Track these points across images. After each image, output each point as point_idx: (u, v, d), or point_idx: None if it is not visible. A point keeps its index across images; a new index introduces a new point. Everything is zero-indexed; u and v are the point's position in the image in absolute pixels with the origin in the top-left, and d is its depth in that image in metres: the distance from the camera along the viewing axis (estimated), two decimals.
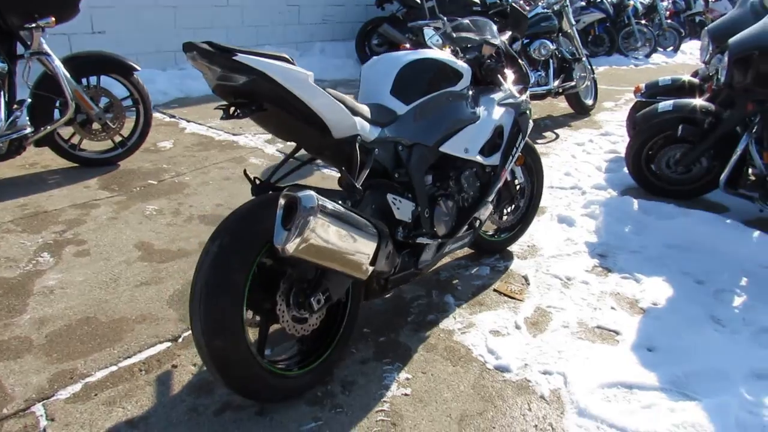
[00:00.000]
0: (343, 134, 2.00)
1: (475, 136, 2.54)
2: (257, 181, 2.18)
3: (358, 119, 2.04)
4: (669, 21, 12.15)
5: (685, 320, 2.67)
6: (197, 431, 1.88)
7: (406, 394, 2.11)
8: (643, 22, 11.22)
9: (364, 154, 2.11)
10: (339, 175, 1.98)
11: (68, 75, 3.51)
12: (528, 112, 2.91)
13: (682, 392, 2.18)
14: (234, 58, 1.71)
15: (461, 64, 2.53)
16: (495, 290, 2.86)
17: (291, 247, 1.67)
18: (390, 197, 2.20)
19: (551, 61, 6.02)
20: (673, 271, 3.10)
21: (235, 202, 3.54)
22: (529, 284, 2.92)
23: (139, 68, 3.86)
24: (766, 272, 3.14)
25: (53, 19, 3.36)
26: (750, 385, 2.23)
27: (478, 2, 7.04)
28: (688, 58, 12.01)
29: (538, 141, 5.46)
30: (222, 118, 1.87)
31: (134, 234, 3.11)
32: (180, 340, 2.32)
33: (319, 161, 3.00)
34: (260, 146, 4.66)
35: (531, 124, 2.93)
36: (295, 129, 2.02)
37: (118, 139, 4.01)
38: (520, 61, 2.94)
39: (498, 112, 2.67)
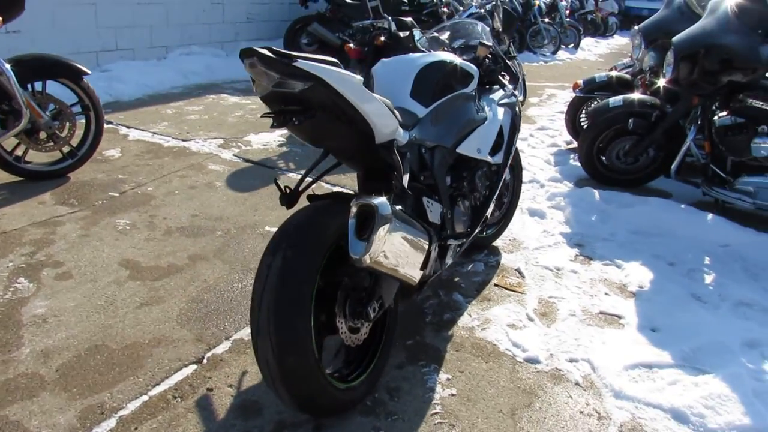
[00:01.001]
0: (384, 139, 1.98)
1: (486, 136, 2.60)
2: (287, 190, 2.12)
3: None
4: (568, 19, 12.91)
5: (671, 300, 2.88)
6: None
7: (453, 395, 2.13)
8: (546, 20, 11.85)
9: (401, 158, 2.10)
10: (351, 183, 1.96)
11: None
12: (519, 110, 3.01)
13: (696, 367, 2.36)
14: (294, 64, 1.66)
15: (471, 66, 2.57)
16: (496, 285, 2.94)
17: (369, 257, 1.65)
18: (425, 200, 2.21)
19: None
20: (646, 256, 3.32)
21: (211, 212, 3.40)
22: (524, 277, 3.03)
23: (89, 72, 3.58)
24: (724, 250, 3.45)
25: (0, 18, 3.04)
26: (748, 354, 2.45)
27: (412, 2, 7.13)
28: (587, 54, 12.84)
29: None
30: (273, 127, 1.80)
31: (114, 252, 2.90)
32: (205, 361, 2.20)
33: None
34: (215, 152, 4.47)
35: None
36: (336, 135, 1.97)
37: (66, 149, 3.70)
38: (507, 61, 3.03)
39: (500, 112, 2.75)
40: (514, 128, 2.90)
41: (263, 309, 1.68)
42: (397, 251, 1.78)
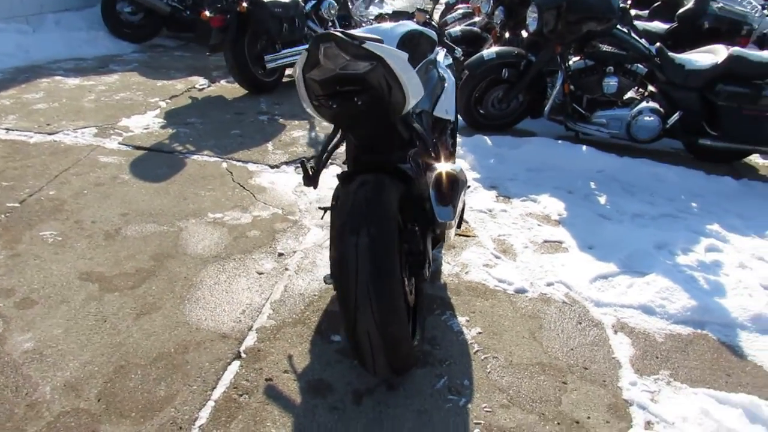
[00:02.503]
0: (407, 110, 2.10)
1: (449, 97, 2.81)
2: (311, 171, 2.15)
3: None
4: None
5: (587, 222, 3.44)
6: (357, 424, 1.90)
7: (479, 333, 2.40)
8: None
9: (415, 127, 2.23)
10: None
11: None
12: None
13: (636, 271, 2.91)
14: (364, 45, 1.72)
15: (432, 32, 2.74)
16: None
17: (455, 221, 1.81)
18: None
19: (335, 22, 6.33)
20: (548, 188, 3.87)
21: (140, 208, 3.16)
22: (468, 223, 3.36)
23: None
24: (601, 175, 4.14)
25: None
26: (663, 254, 3.08)
27: None
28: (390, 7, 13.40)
29: None
30: (332, 108, 1.83)
31: (64, 267, 2.61)
32: (243, 355, 2.18)
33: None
34: (94, 142, 4.05)
35: None
36: (372, 112, 2.02)
37: None
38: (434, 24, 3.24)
39: (450, 73, 2.97)
40: (456, 85, 3.14)
41: (361, 284, 1.75)
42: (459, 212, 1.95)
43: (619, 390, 2.13)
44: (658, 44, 4.48)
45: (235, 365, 2.13)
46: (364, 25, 3.02)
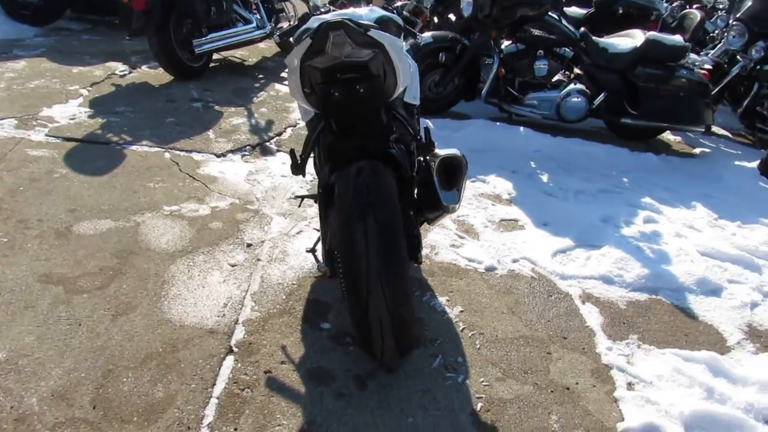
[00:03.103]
0: (394, 97, 2.13)
1: (415, 82, 2.85)
2: (300, 159, 2.14)
3: None
4: None
5: (535, 200, 3.62)
6: (366, 408, 1.94)
7: (462, 311, 2.49)
8: None
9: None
10: None
11: None
12: None
13: (590, 244, 3.11)
14: (369, 33, 1.73)
15: (398, 17, 2.75)
16: None
17: (458, 205, 1.87)
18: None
19: (259, 5, 6.16)
20: (494, 168, 4.02)
21: (87, 203, 2.98)
22: None
23: None
24: (538, 154, 4.35)
25: None
26: (609, 227, 3.31)
27: None
28: None
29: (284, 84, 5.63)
30: (335, 97, 1.83)
31: (18, 270, 2.42)
32: (236, 349, 2.14)
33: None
34: (18, 135, 3.73)
35: None
36: (366, 99, 2.02)
37: None
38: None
39: (411, 58, 3.00)
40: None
41: (372, 270, 1.77)
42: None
43: (597, 356, 2.29)
44: (582, 29, 4.73)
45: (230, 360, 2.08)
46: (321, 10, 2.96)
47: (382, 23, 2.51)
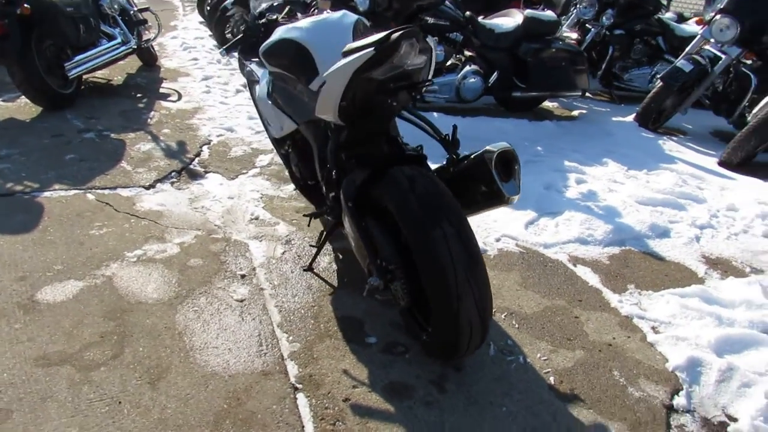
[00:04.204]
0: None
1: None
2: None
3: None
4: None
5: None
6: (458, 409, 1.96)
7: None
8: None
9: None
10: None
11: None
12: None
13: (551, 211, 3.36)
14: (426, 39, 1.73)
15: (365, 19, 2.72)
16: None
17: (517, 196, 1.95)
18: None
19: (117, 18, 5.66)
20: (428, 153, 4.13)
21: (33, 266, 2.58)
22: None
23: None
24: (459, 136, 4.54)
25: None
26: (555, 193, 3.59)
27: None
28: None
29: (169, 99, 5.26)
30: (393, 104, 1.83)
31: (5, 360, 2.05)
32: (299, 385, 2.04)
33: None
34: None
35: None
36: (400, 107, 2.05)
37: None
38: None
39: None
40: None
41: (460, 274, 1.79)
42: None
43: (615, 310, 2.52)
44: (468, 13, 5.00)
45: (302, 398, 1.97)
46: (275, 15, 2.82)
47: (359, 26, 2.49)
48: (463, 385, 2.05)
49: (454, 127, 2.19)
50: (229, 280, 2.59)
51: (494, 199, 2.00)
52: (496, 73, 4.99)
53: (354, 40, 2.45)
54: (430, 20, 4.77)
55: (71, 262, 2.62)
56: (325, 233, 2.67)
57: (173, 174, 3.67)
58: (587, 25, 6.15)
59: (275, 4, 3.04)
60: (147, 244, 2.82)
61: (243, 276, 2.63)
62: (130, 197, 3.31)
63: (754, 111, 4.34)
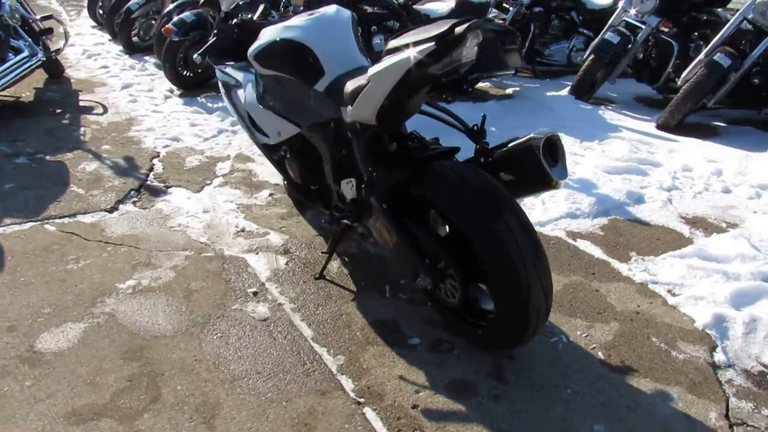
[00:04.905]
0: None
1: None
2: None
3: None
4: None
5: None
6: (526, 397, 1.97)
7: None
8: None
9: None
10: None
11: None
12: None
13: None
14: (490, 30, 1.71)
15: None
16: None
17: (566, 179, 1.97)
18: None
19: (17, 28, 5.13)
20: None
21: (16, 314, 2.29)
22: None
23: None
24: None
25: None
26: None
27: None
28: None
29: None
30: (448, 100, 1.77)
31: (32, 422, 1.81)
32: (362, 400, 1.97)
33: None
34: None
35: None
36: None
37: None
38: None
39: None
40: None
41: (528, 263, 1.78)
42: None
43: (628, 278, 2.62)
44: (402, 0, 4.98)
45: (370, 412, 1.90)
46: (245, 18, 2.65)
47: (354, 20, 2.41)
48: (522, 372, 2.05)
49: (483, 117, 2.16)
50: (242, 300, 2.43)
51: (543, 184, 2.00)
52: None
53: (354, 35, 2.36)
54: (369, 9, 4.70)
55: (60, 303, 2.36)
56: (334, 239, 2.57)
57: (132, 193, 3.39)
58: (505, 4, 6.31)
59: (241, 2, 2.87)
60: (137, 273, 2.59)
61: (255, 293, 2.48)
62: (95, 223, 3.02)
63: (684, 75, 4.65)
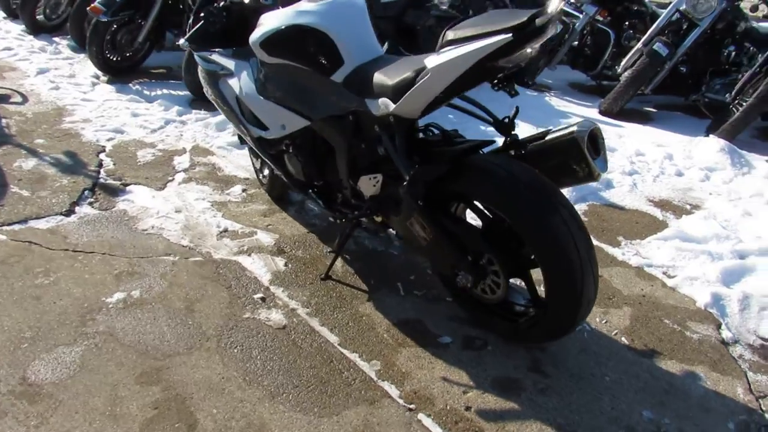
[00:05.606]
0: None
1: None
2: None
3: None
4: None
5: None
6: (570, 388, 1.99)
7: None
8: None
9: None
10: None
11: None
12: None
13: None
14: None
15: None
16: None
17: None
18: None
19: None
20: None
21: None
22: None
23: None
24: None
25: None
26: None
27: None
28: None
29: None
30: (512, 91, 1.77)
31: None
32: (413, 406, 1.90)
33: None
34: None
35: None
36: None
37: None
38: None
39: None
40: None
41: (582, 254, 1.79)
42: None
43: (625, 263, 2.71)
44: None
45: (425, 418, 1.84)
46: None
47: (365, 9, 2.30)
48: (558, 363, 2.07)
49: (516, 109, 2.12)
50: (251, 307, 2.27)
51: (586, 176, 2.00)
52: (386, 44, 4.92)
53: (370, 22, 2.25)
54: None
55: (41, 325, 2.08)
56: (342, 237, 2.46)
57: (86, 193, 3.06)
58: None
59: None
60: (123, 284, 2.34)
61: (263, 299, 2.33)
62: (53, 229, 2.70)
63: (623, 64, 4.88)
